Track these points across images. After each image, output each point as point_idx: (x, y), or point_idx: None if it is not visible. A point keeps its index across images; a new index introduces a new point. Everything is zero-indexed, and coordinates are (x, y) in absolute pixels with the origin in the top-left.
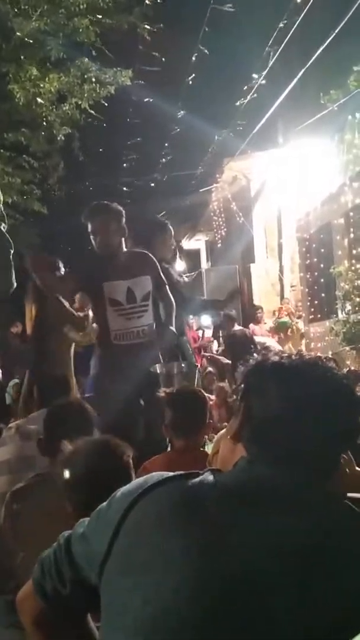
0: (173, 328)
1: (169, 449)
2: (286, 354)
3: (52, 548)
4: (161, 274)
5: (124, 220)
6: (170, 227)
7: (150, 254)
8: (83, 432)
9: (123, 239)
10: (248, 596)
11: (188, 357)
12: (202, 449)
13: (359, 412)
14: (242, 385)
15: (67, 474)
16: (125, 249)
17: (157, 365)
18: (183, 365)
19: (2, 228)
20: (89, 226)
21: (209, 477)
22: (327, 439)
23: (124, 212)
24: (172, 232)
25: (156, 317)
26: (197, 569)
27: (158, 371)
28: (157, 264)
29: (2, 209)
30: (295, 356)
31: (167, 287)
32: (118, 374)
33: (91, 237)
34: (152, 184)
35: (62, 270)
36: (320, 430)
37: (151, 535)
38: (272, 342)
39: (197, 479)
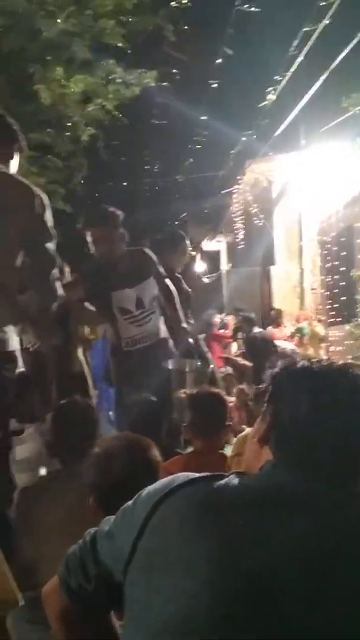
0: (185, 324)
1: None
2: (315, 359)
3: (77, 545)
4: (159, 268)
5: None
6: (187, 241)
7: (146, 250)
8: (89, 431)
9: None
10: (267, 601)
11: (203, 356)
12: (221, 452)
13: None
14: (270, 388)
15: (96, 471)
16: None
17: (169, 361)
18: (197, 362)
19: (47, 245)
20: (90, 234)
21: (234, 480)
22: (354, 445)
23: (122, 216)
24: (187, 246)
25: (164, 314)
26: (218, 573)
27: (170, 367)
28: (154, 258)
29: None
30: (325, 362)
31: (166, 280)
32: (135, 380)
33: (92, 245)
34: (175, 186)
35: (68, 274)
36: (347, 436)
37: (175, 536)
38: (291, 346)
39: (223, 482)
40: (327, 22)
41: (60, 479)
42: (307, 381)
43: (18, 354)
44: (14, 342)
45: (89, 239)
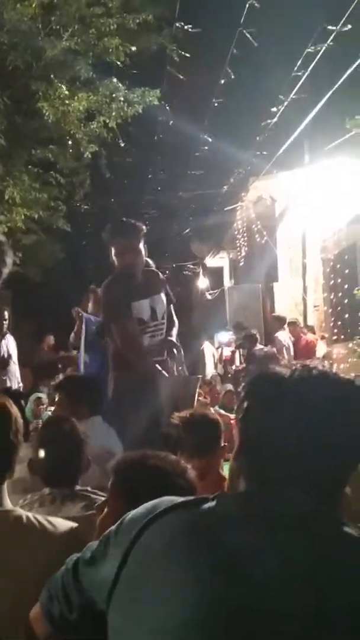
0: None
1: None
2: (288, 367)
3: (59, 572)
4: (170, 292)
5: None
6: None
7: (160, 273)
8: (74, 453)
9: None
10: (258, 625)
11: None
12: (220, 472)
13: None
14: (240, 403)
15: (123, 481)
16: None
17: (177, 377)
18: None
19: None
20: (117, 245)
21: (218, 502)
22: (329, 458)
23: (145, 229)
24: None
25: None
26: (206, 599)
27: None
28: (162, 276)
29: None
30: (297, 370)
31: (172, 305)
32: (140, 393)
33: (117, 256)
34: (177, 202)
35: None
36: (320, 449)
37: (161, 564)
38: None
39: (207, 505)
40: (331, 44)
41: (47, 503)
42: (272, 392)
43: None
44: None
45: (113, 252)
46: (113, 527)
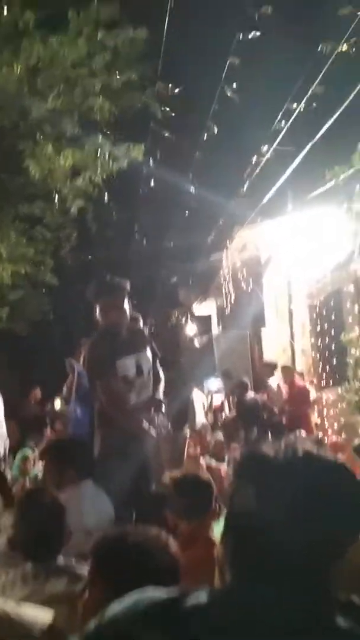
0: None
1: None
2: (277, 447)
3: None
4: (154, 347)
5: None
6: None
7: (144, 329)
8: (55, 526)
9: None
10: None
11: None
12: (210, 537)
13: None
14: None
15: (110, 560)
16: None
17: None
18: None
19: None
20: (101, 304)
21: (201, 598)
22: (318, 539)
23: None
24: None
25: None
26: None
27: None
28: (146, 332)
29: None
30: (279, 450)
31: (158, 360)
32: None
33: (101, 314)
34: (163, 252)
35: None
36: (312, 527)
37: None
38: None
39: (190, 604)
40: (311, 97)
41: (30, 579)
42: (260, 474)
43: None
44: None
45: (97, 309)
46: (92, 629)
